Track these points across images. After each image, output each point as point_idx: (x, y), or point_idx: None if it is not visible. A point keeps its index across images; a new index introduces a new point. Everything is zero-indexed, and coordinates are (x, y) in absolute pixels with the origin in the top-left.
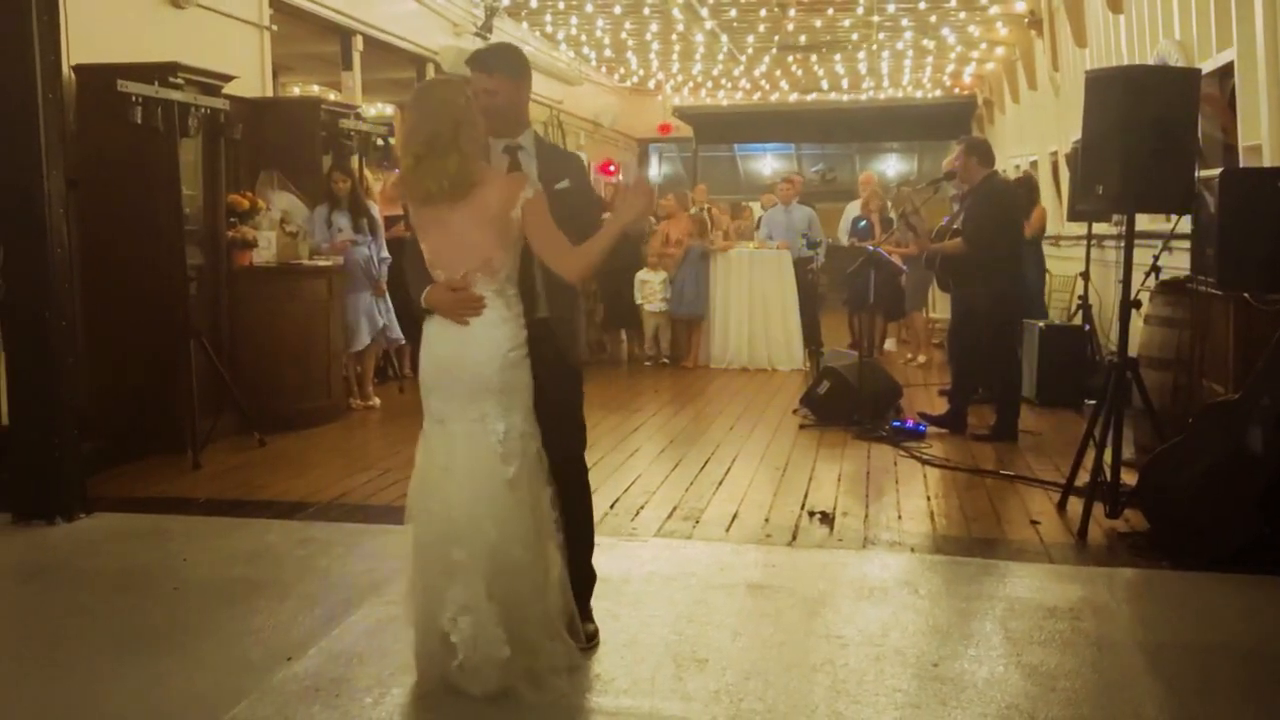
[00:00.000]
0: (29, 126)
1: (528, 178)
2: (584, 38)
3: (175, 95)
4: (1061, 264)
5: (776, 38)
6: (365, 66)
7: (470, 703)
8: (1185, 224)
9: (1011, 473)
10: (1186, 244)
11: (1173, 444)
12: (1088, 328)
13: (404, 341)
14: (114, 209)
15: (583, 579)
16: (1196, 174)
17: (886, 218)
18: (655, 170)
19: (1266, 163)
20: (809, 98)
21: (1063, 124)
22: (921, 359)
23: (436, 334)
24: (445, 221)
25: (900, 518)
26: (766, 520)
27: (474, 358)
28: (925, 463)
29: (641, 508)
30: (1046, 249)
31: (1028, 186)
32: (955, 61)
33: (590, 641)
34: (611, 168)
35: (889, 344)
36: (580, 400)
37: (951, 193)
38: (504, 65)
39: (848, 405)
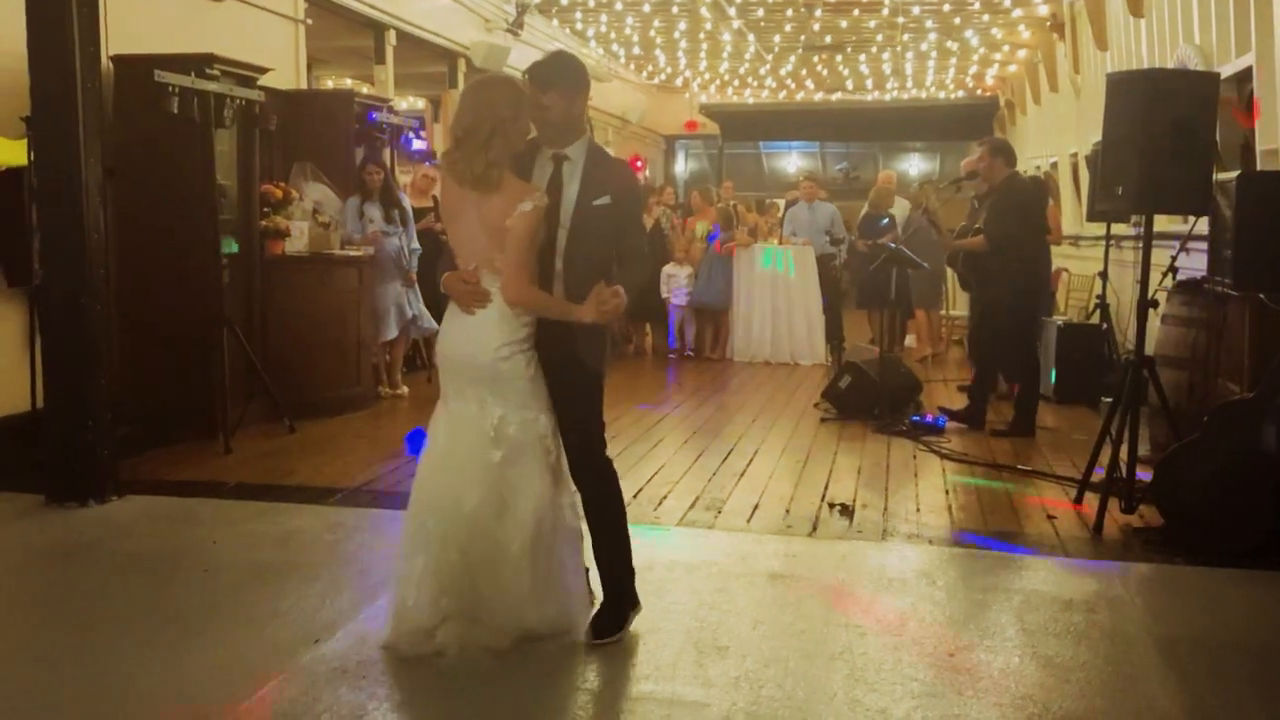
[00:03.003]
0: (68, 115)
1: (535, 191)
2: (613, 35)
3: (211, 86)
4: (1080, 263)
5: (802, 37)
6: (397, 61)
7: (495, 683)
8: (1203, 225)
9: (1029, 468)
10: (1204, 245)
11: (1188, 441)
12: (1105, 326)
13: (436, 327)
14: (149, 197)
15: (601, 567)
16: (1214, 176)
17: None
18: (682, 166)
19: None
20: (833, 97)
21: (1083, 126)
22: (928, 351)
23: (448, 318)
24: (466, 212)
25: (919, 510)
26: (787, 511)
27: (471, 346)
28: (944, 457)
29: (664, 497)
30: (1066, 249)
31: (1040, 187)
32: (978, 63)
33: (598, 638)
34: (639, 163)
35: (909, 340)
36: (592, 404)
37: (972, 193)
38: (559, 80)
39: (868, 400)
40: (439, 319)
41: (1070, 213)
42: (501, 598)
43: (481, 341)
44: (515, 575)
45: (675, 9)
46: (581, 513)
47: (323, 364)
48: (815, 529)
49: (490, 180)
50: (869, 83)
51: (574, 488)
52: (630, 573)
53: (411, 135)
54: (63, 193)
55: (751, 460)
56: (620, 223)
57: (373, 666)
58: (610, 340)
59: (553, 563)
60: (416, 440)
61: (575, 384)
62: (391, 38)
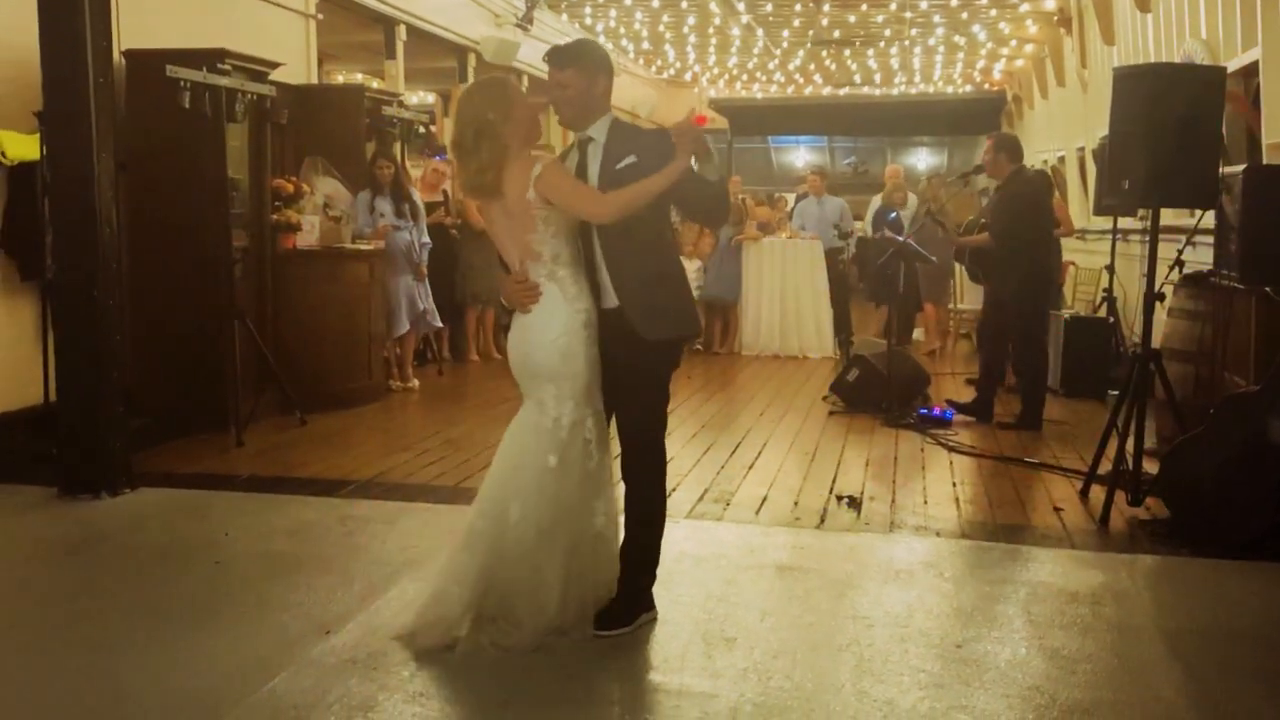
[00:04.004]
0: (80, 110)
1: (538, 158)
2: (622, 30)
3: (223, 81)
4: (1087, 257)
5: (811, 32)
6: (408, 55)
7: (505, 675)
8: (1209, 219)
9: (1036, 460)
10: (1210, 239)
11: (1194, 434)
12: (1112, 320)
13: (441, 326)
14: (161, 192)
15: (623, 561)
16: (1220, 170)
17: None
18: (691, 161)
19: None
20: (842, 91)
21: (1090, 120)
22: (936, 344)
23: (513, 326)
24: (490, 215)
25: (926, 503)
26: (796, 504)
27: (530, 343)
28: (951, 450)
29: (674, 490)
30: (1073, 242)
31: (1046, 180)
32: (985, 58)
33: (601, 629)
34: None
35: (917, 334)
36: (654, 399)
37: (981, 186)
38: (574, 59)
39: (876, 392)
40: (446, 315)
41: (1077, 207)
42: (528, 605)
43: (540, 333)
44: (545, 587)
45: (684, 4)
46: (613, 517)
47: (334, 357)
48: (823, 521)
49: (486, 185)
50: (877, 77)
51: (609, 493)
52: (651, 577)
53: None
54: (75, 187)
55: (760, 453)
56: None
57: (384, 658)
58: (677, 320)
59: (580, 569)
60: None
61: (637, 378)
62: (402, 33)
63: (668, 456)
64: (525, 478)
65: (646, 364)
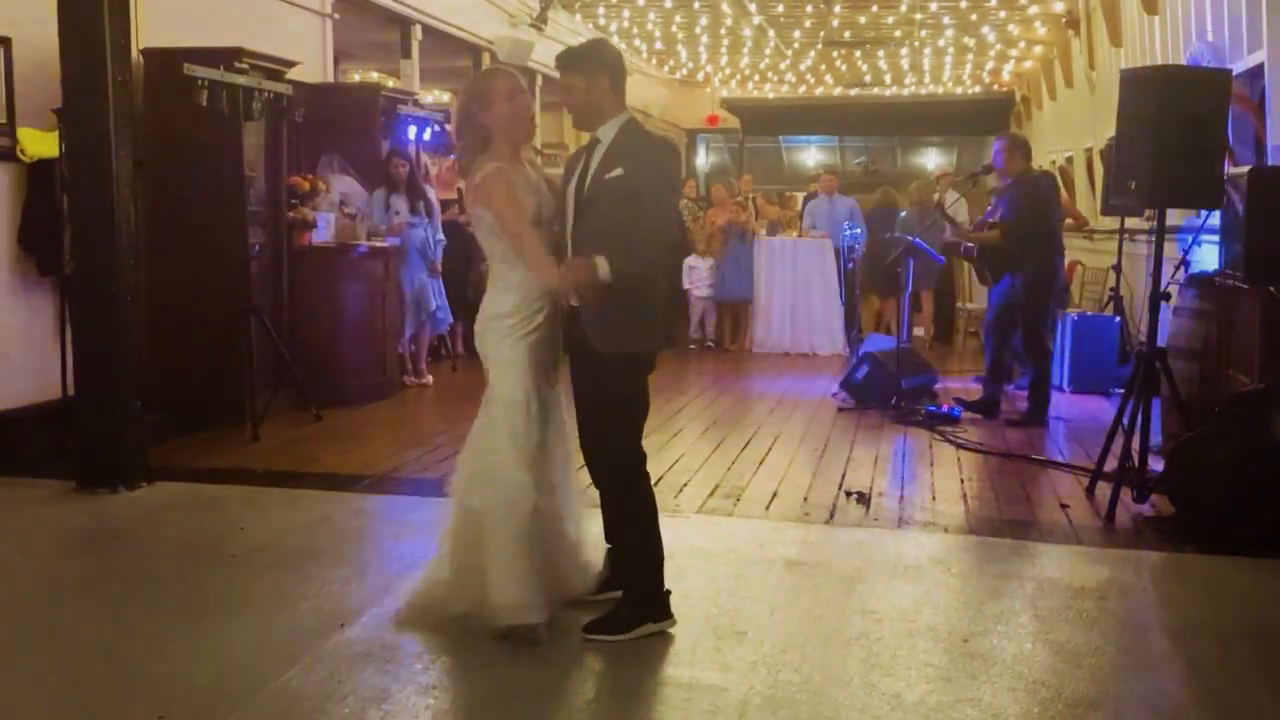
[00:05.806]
0: (98, 108)
1: (491, 161)
2: (635, 30)
3: (240, 79)
4: (1094, 256)
5: (822, 33)
6: (423, 55)
7: (516, 668)
8: (1215, 219)
9: (1042, 457)
10: (1216, 239)
11: (1199, 432)
12: (1119, 319)
13: (455, 322)
14: (179, 189)
15: (619, 562)
16: (1226, 171)
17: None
18: (703, 160)
19: None
20: (852, 92)
21: (1098, 121)
22: (919, 331)
23: None
24: None
25: (934, 499)
26: (805, 499)
27: (478, 322)
28: (959, 446)
29: (684, 485)
30: (1080, 242)
31: (1051, 180)
32: (994, 59)
33: (587, 633)
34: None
35: (918, 330)
36: (612, 400)
37: (991, 186)
38: (575, 64)
39: (885, 390)
40: (460, 311)
41: (1085, 207)
42: (469, 570)
43: (481, 315)
44: (480, 547)
45: (697, 4)
46: (569, 507)
47: (349, 353)
48: (832, 517)
49: (464, 167)
50: (887, 78)
51: (560, 479)
52: (645, 583)
53: (437, 128)
54: (93, 184)
55: (770, 449)
56: (635, 196)
57: (397, 651)
58: (632, 332)
59: (530, 546)
60: None
61: (595, 386)
62: (417, 32)
63: (679, 453)
64: (470, 441)
65: (605, 372)
